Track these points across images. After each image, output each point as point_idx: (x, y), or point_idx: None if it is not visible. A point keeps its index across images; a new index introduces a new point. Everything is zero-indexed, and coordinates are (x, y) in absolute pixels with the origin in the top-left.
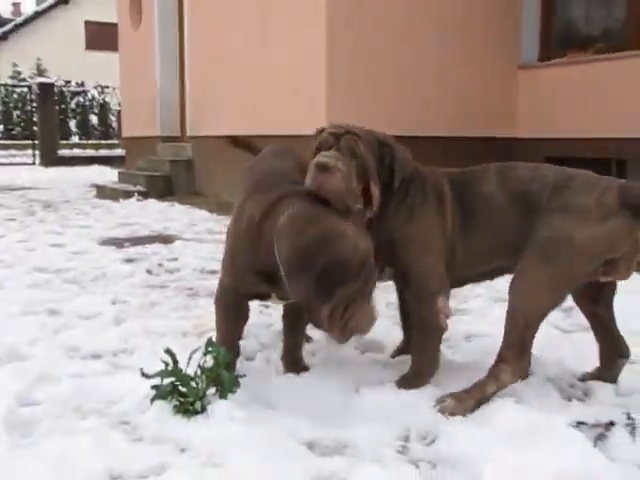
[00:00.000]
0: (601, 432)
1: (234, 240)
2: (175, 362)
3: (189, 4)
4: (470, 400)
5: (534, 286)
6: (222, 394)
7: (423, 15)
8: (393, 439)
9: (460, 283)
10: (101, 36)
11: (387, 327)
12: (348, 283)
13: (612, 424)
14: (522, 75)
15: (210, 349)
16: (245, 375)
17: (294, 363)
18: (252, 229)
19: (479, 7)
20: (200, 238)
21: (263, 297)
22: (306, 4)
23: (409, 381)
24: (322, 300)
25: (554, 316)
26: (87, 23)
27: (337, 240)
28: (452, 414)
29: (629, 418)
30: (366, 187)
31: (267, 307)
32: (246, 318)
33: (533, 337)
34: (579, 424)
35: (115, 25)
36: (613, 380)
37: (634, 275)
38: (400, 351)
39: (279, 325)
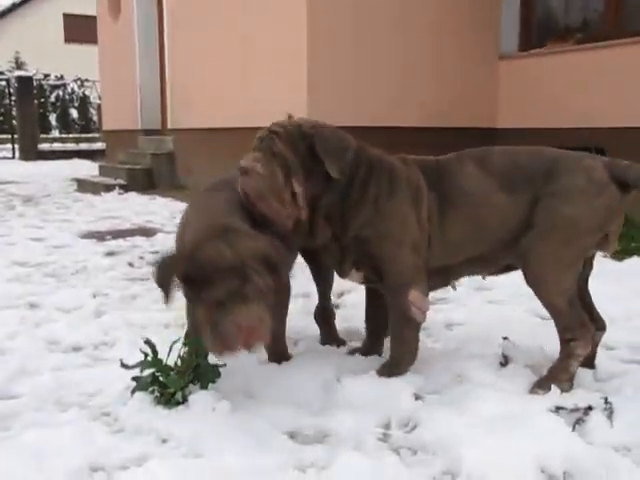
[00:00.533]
0: (579, 417)
1: None
2: (155, 353)
3: None
4: (566, 383)
5: (559, 269)
6: (203, 384)
7: (405, 8)
8: (374, 427)
9: (446, 275)
10: (80, 28)
11: None
12: (213, 285)
13: (590, 408)
14: (502, 65)
15: (189, 340)
16: (225, 365)
17: (278, 353)
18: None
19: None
20: None
21: None
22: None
23: (388, 369)
24: (192, 303)
25: (534, 304)
26: (66, 15)
27: (201, 242)
28: None
29: (606, 402)
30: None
31: None
32: None
33: (578, 306)
34: (558, 409)
35: (94, 17)
36: (592, 355)
37: (612, 263)
38: (356, 350)
39: None
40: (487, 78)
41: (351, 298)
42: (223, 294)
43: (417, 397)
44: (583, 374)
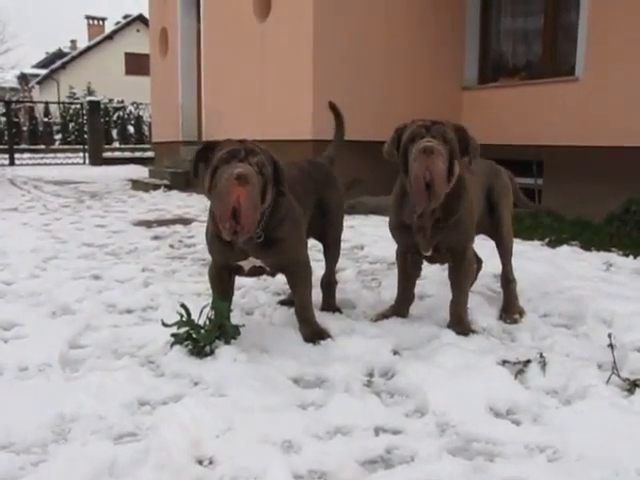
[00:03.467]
0: (520, 368)
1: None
2: (189, 315)
3: (205, 38)
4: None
5: (510, 227)
6: (226, 340)
7: (390, 46)
8: (361, 375)
9: None
10: (137, 64)
11: (357, 289)
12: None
13: (529, 361)
14: (465, 95)
15: (216, 305)
16: (244, 325)
17: (315, 332)
18: None
19: (431, 42)
20: None
21: (237, 270)
22: (296, 32)
23: (464, 324)
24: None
25: (487, 281)
26: (127, 54)
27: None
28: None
29: (541, 357)
30: None
31: None
32: (228, 287)
33: None
34: (504, 362)
35: (148, 55)
36: None
37: (547, 249)
38: (385, 315)
39: (273, 287)
40: (453, 105)
41: (345, 274)
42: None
43: (395, 352)
44: (524, 335)
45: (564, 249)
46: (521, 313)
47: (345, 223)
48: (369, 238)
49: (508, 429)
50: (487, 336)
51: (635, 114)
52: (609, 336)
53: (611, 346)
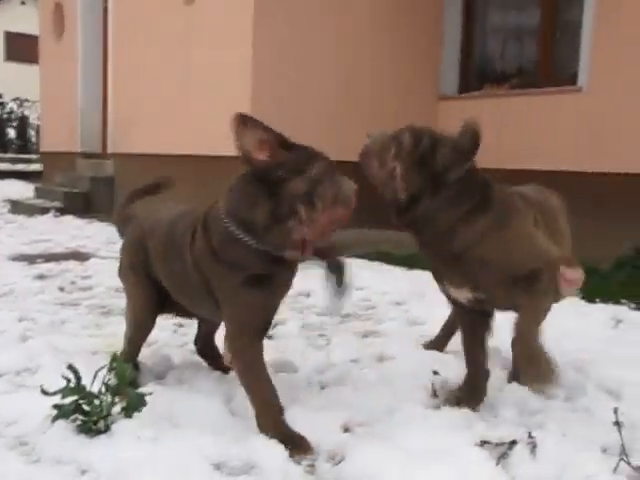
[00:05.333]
0: (504, 451)
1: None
2: (78, 379)
3: (113, 17)
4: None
5: None
6: (127, 413)
7: (349, 47)
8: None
9: None
10: (22, 47)
11: (301, 348)
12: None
13: (514, 443)
14: (442, 106)
15: (115, 365)
16: (152, 393)
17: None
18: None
19: (401, 42)
20: (117, 256)
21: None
22: (231, 24)
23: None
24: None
25: None
26: (7, 34)
27: None
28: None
29: (530, 437)
30: None
31: (181, 326)
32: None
33: None
34: (483, 443)
35: (36, 37)
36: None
37: None
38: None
39: (192, 345)
40: (427, 117)
41: (286, 329)
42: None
43: (346, 429)
44: (508, 409)
45: (563, 301)
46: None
47: None
48: (317, 283)
49: None
50: (462, 409)
51: None
52: (615, 411)
53: (618, 424)
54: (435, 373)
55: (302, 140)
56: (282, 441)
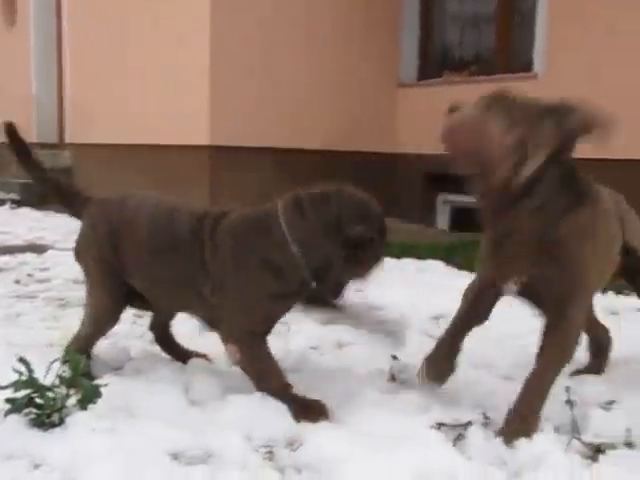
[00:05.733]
0: (460, 432)
1: None
2: (30, 372)
3: (69, 2)
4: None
5: None
6: (82, 405)
7: (310, 32)
8: (260, 446)
9: None
10: None
11: None
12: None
13: (470, 424)
14: (401, 93)
15: (69, 357)
16: (107, 384)
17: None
18: None
19: (359, 28)
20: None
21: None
22: (190, 17)
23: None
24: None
25: (422, 325)
26: None
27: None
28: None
29: (485, 417)
30: None
31: (140, 317)
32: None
33: None
34: (440, 425)
35: None
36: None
37: None
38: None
39: (150, 335)
40: (387, 105)
41: None
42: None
43: None
44: (464, 391)
45: None
46: None
47: None
48: None
49: None
50: (420, 392)
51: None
52: (567, 390)
53: (569, 403)
54: (394, 358)
55: (264, 131)
56: (295, 407)
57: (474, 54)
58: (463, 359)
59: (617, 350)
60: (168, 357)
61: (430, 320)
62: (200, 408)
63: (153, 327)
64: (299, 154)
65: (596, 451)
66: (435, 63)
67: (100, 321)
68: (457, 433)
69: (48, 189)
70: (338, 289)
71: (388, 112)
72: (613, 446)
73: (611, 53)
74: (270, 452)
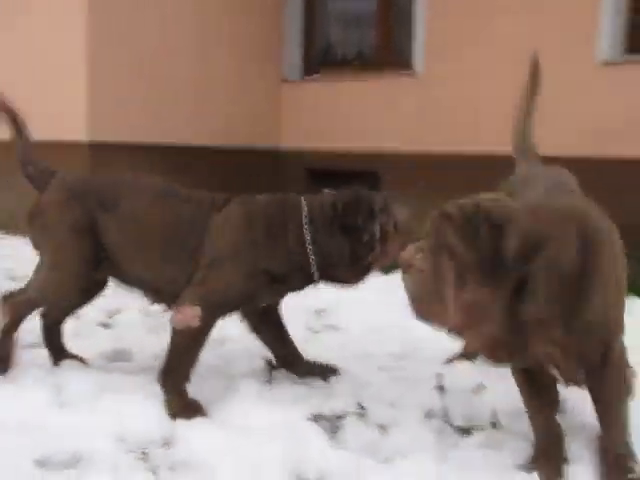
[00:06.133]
0: (337, 423)
1: None
2: None
3: None
4: None
5: None
6: None
7: (190, 32)
8: (133, 447)
9: None
10: None
11: (139, 335)
12: None
13: (346, 414)
14: (285, 89)
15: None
16: None
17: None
18: None
19: (243, 25)
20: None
21: None
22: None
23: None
24: None
25: (305, 318)
26: None
27: None
28: None
29: (360, 407)
30: None
31: None
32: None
33: None
34: (317, 417)
35: None
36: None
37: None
38: None
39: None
40: (270, 101)
41: (124, 317)
42: None
43: None
44: (341, 382)
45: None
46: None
47: None
48: None
49: None
50: (298, 383)
51: (483, 117)
52: (437, 377)
53: (440, 389)
54: (269, 364)
55: (147, 127)
56: (175, 404)
57: (356, 51)
58: (340, 350)
59: None
60: (35, 359)
61: (312, 314)
62: (71, 410)
63: (45, 316)
64: (185, 151)
65: (464, 433)
66: (318, 60)
67: (63, 286)
68: (334, 424)
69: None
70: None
71: (272, 109)
72: (480, 428)
73: (490, 52)
74: (144, 453)
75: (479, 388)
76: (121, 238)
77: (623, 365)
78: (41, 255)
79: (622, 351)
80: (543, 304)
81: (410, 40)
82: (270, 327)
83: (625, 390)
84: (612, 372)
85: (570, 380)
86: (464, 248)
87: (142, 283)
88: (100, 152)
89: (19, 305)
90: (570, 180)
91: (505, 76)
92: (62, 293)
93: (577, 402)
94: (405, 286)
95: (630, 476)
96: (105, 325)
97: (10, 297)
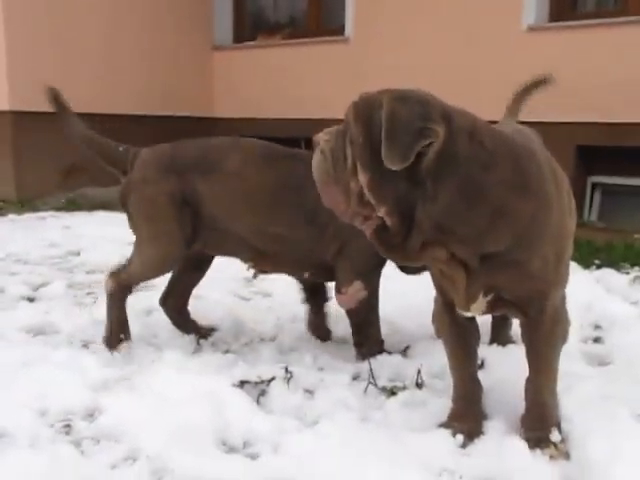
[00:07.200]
0: (263, 388)
1: None
2: None
3: None
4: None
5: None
6: None
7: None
8: (55, 420)
9: None
10: None
11: (64, 307)
12: None
13: (273, 379)
14: (217, 56)
15: None
16: None
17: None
18: None
19: None
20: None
21: None
22: None
23: None
24: None
25: (233, 285)
26: None
27: None
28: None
29: (287, 371)
30: None
31: None
32: None
33: None
34: (243, 383)
35: None
36: None
37: None
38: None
39: None
40: (201, 68)
41: (49, 290)
42: None
43: (105, 386)
44: (268, 348)
45: None
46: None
47: (60, 222)
48: (88, 241)
49: (243, 465)
50: (223, 351)
51: (414, 84)
52: None
53: None
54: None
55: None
56: None
57: (288, 17)
58: (267, 314)
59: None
60: None
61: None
62: None
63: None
64: (113, 119)
65: (390, 394)
66: (250, 26)
67: (164, 259)
68: (260, 389)
69: (95, 150)
70: None
71: (204, 76)
72: (404, 387)
73: (420, 18)
74: (67, 425)
75: (406, 350)
76: (225, 198)
77: (561, 318)
78: (138, 232)
79: (562, 303)
80: (441, 210)
81: (342, 5)
82: (318, 299)
83: (559, 340)
84: (546, 324)
85: (464, 310)
86: (358, 131)
87: (244, 246)
88: (24, 122)
89: (122, 281)
90: (534, 136)
91: (437, 43)
92: (163, 266)
93: (496, 358)
94: (312, 166)
95: (550, 453)
96: (30, 299)
97: (116, 273)
